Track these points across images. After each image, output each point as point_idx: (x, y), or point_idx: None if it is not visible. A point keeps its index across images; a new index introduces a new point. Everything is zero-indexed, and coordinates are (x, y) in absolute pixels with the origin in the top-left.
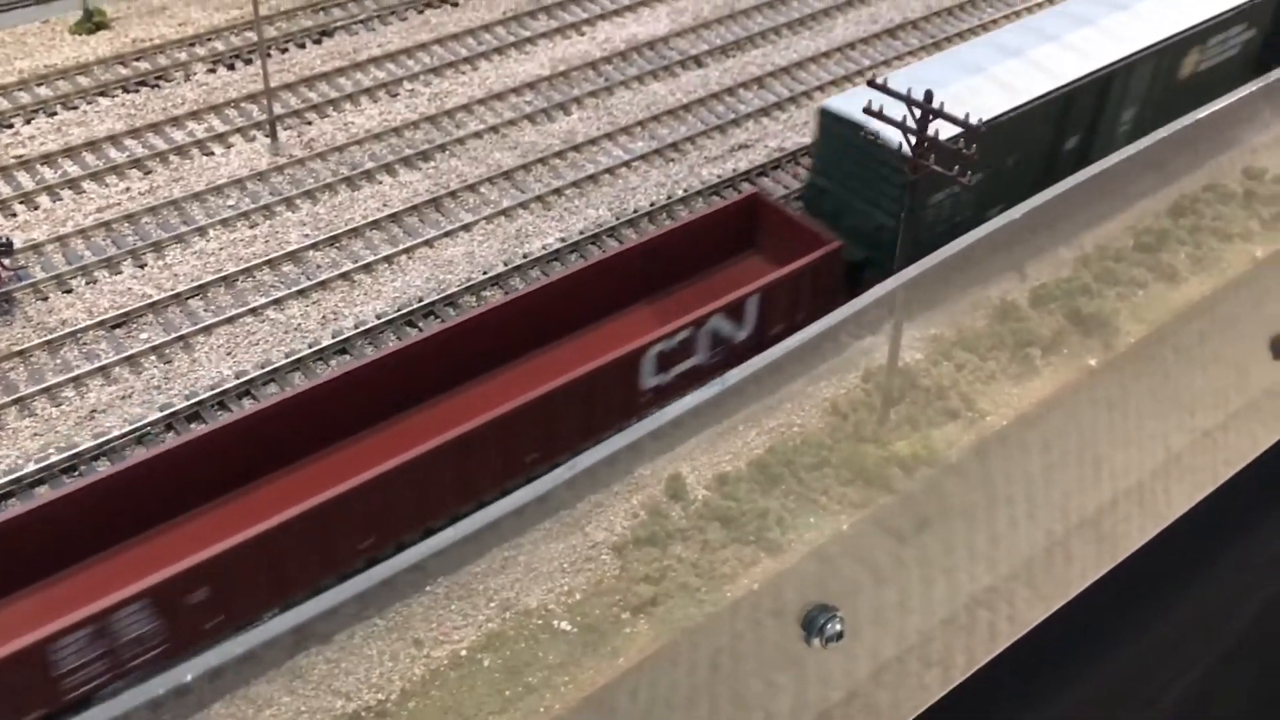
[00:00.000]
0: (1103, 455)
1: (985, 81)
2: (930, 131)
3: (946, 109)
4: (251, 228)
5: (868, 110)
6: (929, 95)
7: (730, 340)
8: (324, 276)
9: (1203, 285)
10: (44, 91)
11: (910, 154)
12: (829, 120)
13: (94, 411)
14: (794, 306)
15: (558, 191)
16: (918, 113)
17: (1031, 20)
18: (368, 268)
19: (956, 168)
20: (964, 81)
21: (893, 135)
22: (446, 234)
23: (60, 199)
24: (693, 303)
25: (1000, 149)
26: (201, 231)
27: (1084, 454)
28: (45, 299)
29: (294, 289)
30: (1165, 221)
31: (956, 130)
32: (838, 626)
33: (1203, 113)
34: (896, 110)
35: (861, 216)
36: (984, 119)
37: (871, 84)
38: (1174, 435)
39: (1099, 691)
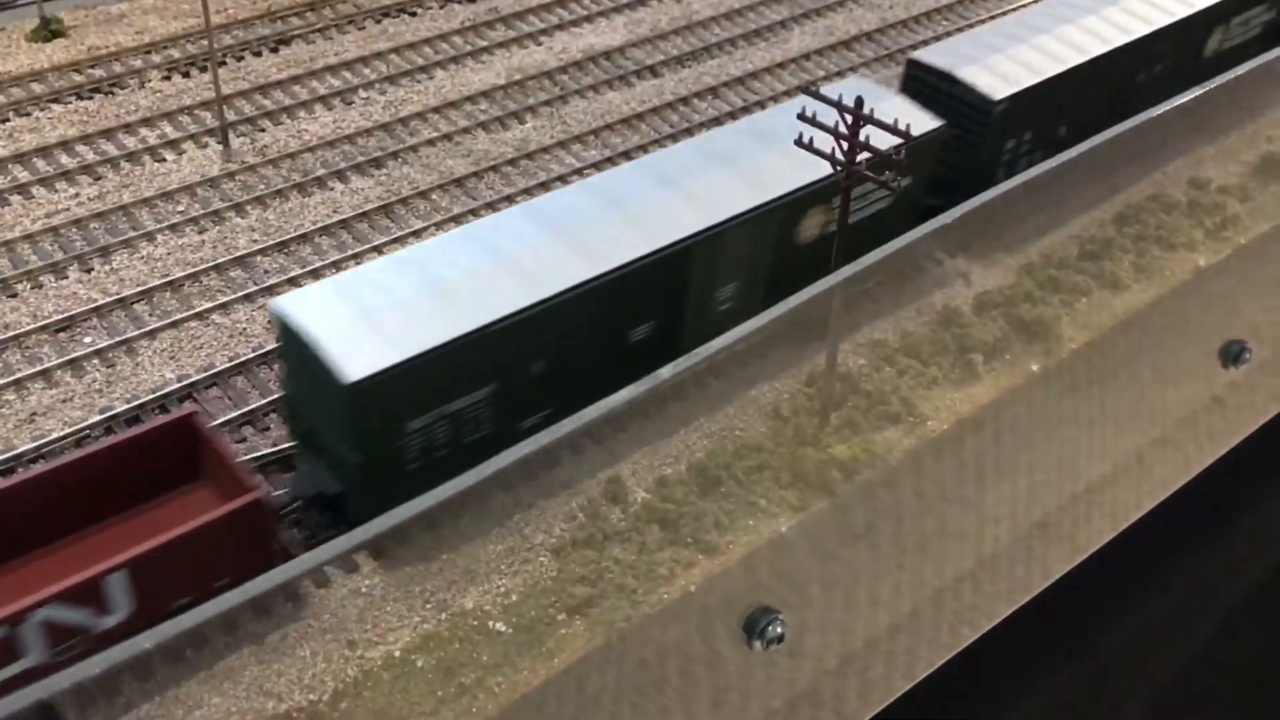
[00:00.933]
0: (1039, 462)
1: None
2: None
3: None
4: (200, 233)
5: None
6: (859, 101)
7: (92, 630)
8: (271, 281)
9: (1145, 293)
10: None
11: None
12: (280, 324)
13: (34, 414)
14: (210, 569)
15: (509, 199)
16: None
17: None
18: (315, 273)
19: (887, 173)
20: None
21: (331, 343)
22: (395, 239)
23: (9, 204)
24: (131, 541)
25: (541, 342)
26: (150, 237)
27: (1021, 460)
28: None
29: (240, 293)
30: (1110, 230)
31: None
32: (779, 629)
33: (1144, 118)
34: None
35: (327, 441)
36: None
37: (806, 90)
38: (1120, 442)
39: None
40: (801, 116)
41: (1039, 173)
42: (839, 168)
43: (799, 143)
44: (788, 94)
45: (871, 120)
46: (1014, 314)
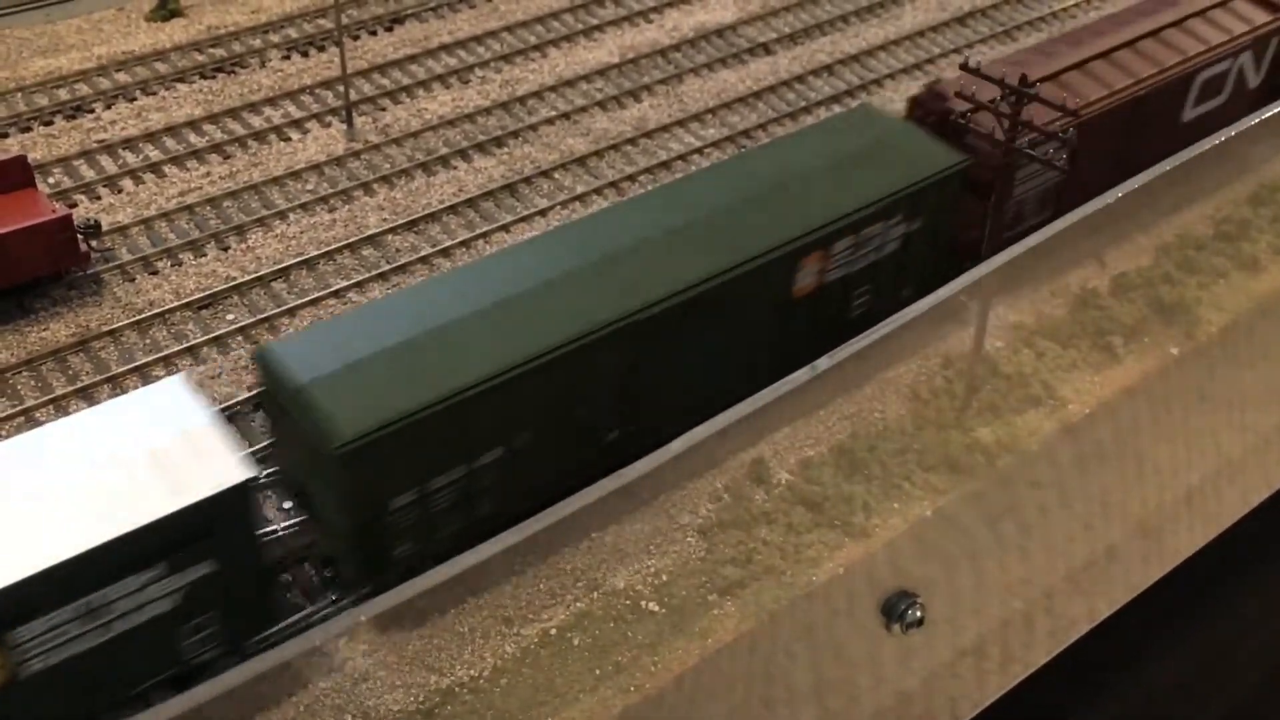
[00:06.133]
0: (1179, 444)
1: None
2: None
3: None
4: (331, 212)
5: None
6: (1024, 79)
7: None
8: (403, 260)
9: None
10: (123, 77)
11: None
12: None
13: None
14: None
15: (631, 178)
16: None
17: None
18: (445, 252)
19: (1050, 150)
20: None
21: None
22: (522, 219)
23: (143, 182)
24: None
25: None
26: (282, 215)
27: (1160, 442)
28: (132, 280)
29: (374, 272)
30: (1245, 210)
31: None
32: (918, 613)
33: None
34: None
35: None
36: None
37: (964, 67)
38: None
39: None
40: (960, 94)
41: (1175, 164)
42: (998, 146)
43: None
44: (905, 71)
45: (1037, 98)
46: (1153, 295)
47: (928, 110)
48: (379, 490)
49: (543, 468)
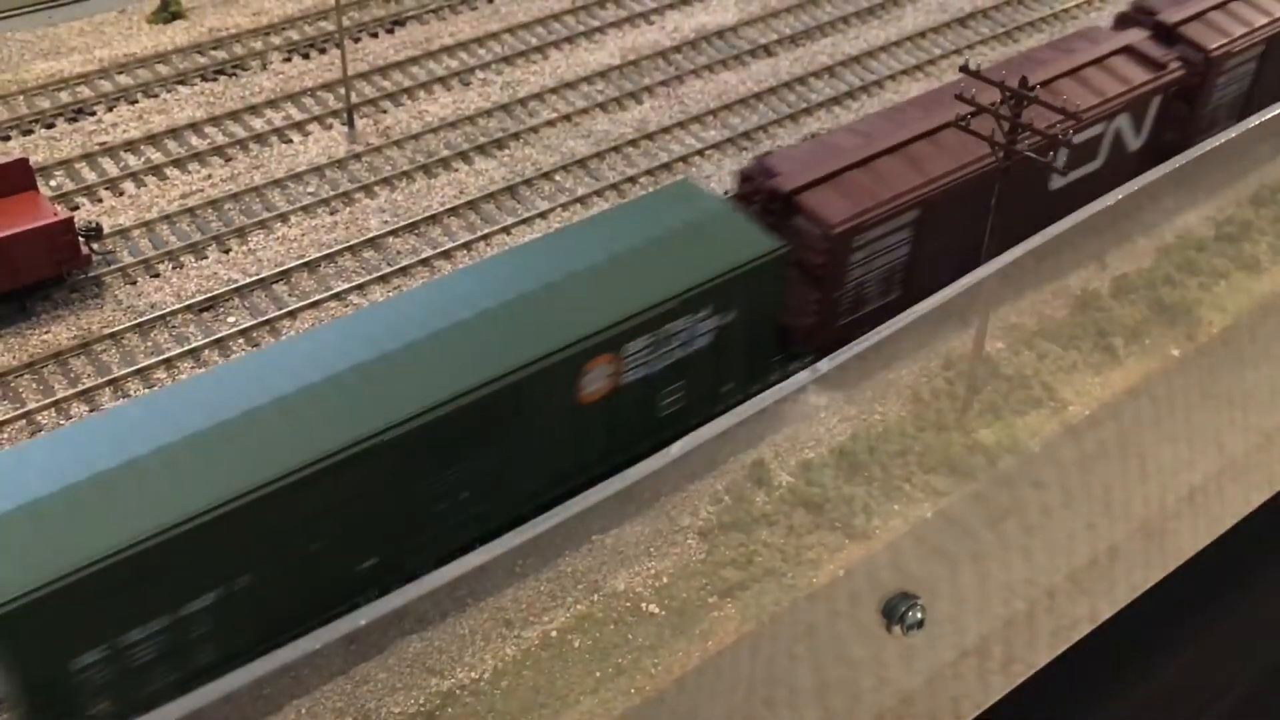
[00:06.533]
0: (1182, 444)
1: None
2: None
3: None
4: (332, 214)
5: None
6: (1024, 81)
7: None
8: (405, 262)
9: None
10: (124, 79)
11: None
12: None
13: None
14: None
15: (632, 180)
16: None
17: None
18: (447, 254)
19: (1051, 154)
20: None
21: None
22: (524, 221)
23: (145, 185)
24: None
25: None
26: (283, 218)
27: (1164, 443)
28: (134, 283)
29: (375, 274)
30: (1247, 211)
31: None
32: (919, 615)
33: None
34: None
35: None
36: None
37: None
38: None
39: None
40: (960, 97)
41: (1181, 163)
42: (998, 149)
43: (959, 122)
44: (905, 73)
45: (1037, 100)
46: (1154, 297)
47: (755, 187)
48: (56, 651)
49: (277, 606)
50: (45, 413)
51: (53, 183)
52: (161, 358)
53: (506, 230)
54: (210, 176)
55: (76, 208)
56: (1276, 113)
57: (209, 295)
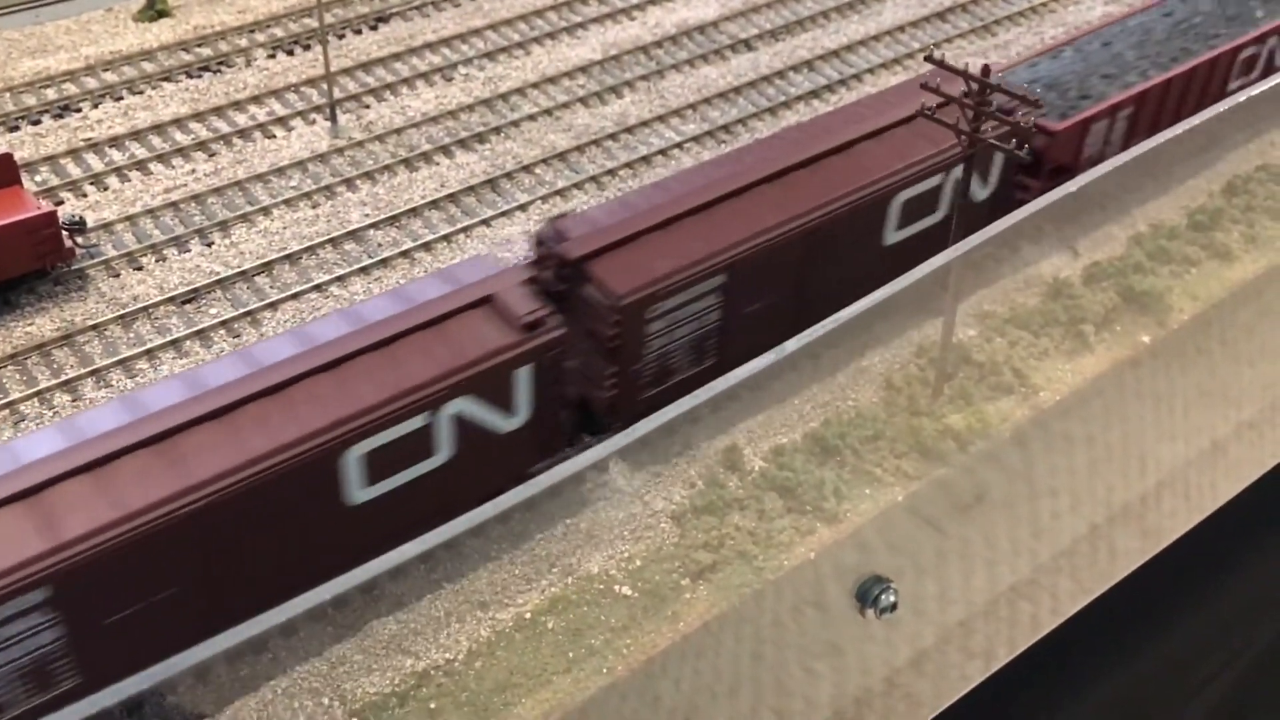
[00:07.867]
0: (1149, 433)
1: None
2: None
3: None
4: (314, 208)
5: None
6: (985, 69)
7: None
8: (385, 254)
9: (1256, 264)
10: (110, 77)
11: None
12: None
13: None
14: None
15: (611, 173)
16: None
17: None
18: (427, 246)
19: (1014, 141)
20: None
21: None
22: (503, 214)
23: (129, 180)
24: None
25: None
26: (265, 211)
27: (1130, 430)
28: (117, 276)
29: (356, 266)
30: (1219, 200)
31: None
32: (891, 598)
33: (1256, 90)
34: None
35: None
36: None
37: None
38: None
39: (1141, 677)
40: (925, 86)
41: (1147, 148)
42: (963, 136)
43: (924, 113)
44: (884, 67)
45: (999, 88)
46: (1124, 285)
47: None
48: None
49: None
50: (29, 403)
51: (38, 178)
52: (143, 349)
53: (486, 223)
54: (194, 171)
55: (61, 202)
56: (1243, 100)
57: (191, 287)
